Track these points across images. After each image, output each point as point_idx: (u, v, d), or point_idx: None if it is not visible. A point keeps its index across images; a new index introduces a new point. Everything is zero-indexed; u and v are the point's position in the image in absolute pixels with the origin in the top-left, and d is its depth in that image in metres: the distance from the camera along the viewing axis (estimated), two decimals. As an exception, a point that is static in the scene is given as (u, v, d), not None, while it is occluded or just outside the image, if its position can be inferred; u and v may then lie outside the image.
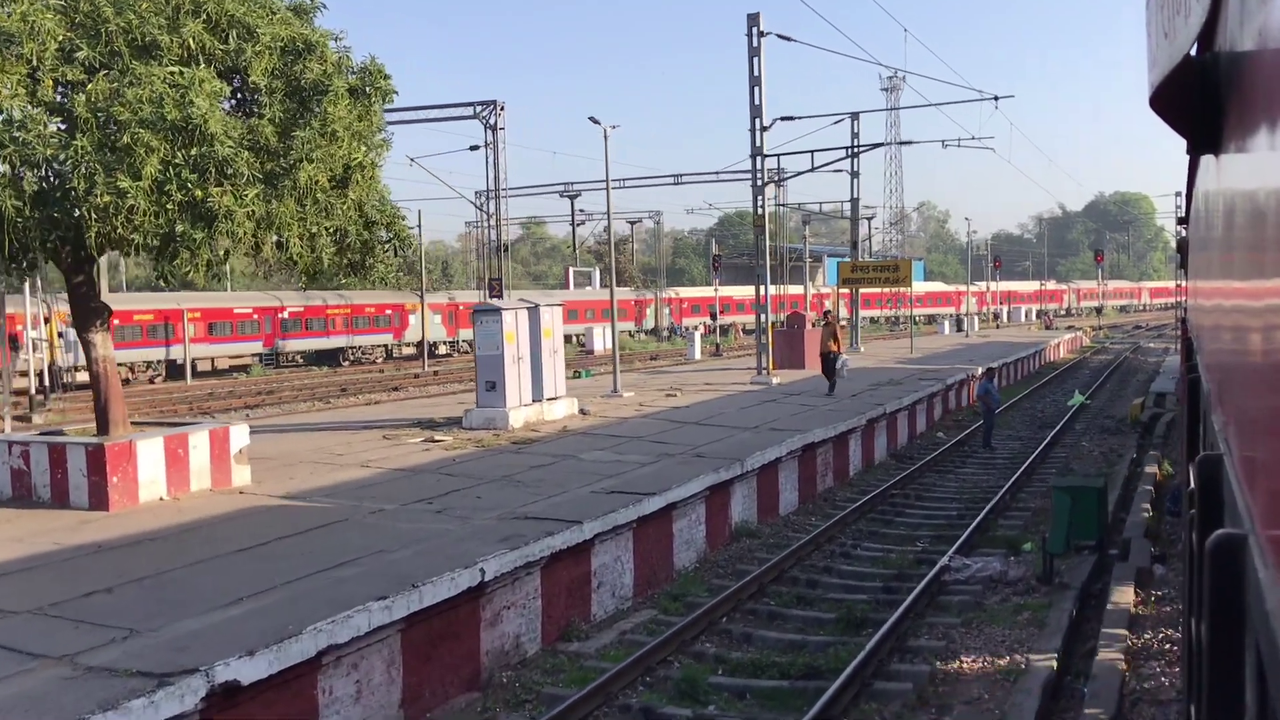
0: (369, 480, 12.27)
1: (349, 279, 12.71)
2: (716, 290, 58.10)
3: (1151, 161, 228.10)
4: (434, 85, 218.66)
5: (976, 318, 70.82)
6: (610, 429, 16.39)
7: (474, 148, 32.50)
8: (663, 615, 10.47)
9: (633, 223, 71.70)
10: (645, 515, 11.08)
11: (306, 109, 11.02)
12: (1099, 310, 72.33)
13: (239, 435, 12.39)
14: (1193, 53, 2.13)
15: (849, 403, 20.69)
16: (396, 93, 11.85)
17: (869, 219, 76.94)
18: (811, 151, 23.40)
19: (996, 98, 22.74)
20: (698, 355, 51.59)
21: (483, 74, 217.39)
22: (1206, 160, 3.03)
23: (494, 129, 31.99)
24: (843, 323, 44.60)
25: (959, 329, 59.79)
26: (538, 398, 17.10)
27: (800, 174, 23.68)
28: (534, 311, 16.91)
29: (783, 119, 23.29)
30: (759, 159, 23.64)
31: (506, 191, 57.73)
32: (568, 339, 62.52)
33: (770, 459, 14.66)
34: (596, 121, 20.64)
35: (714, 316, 57.92)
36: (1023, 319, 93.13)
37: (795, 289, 72.69)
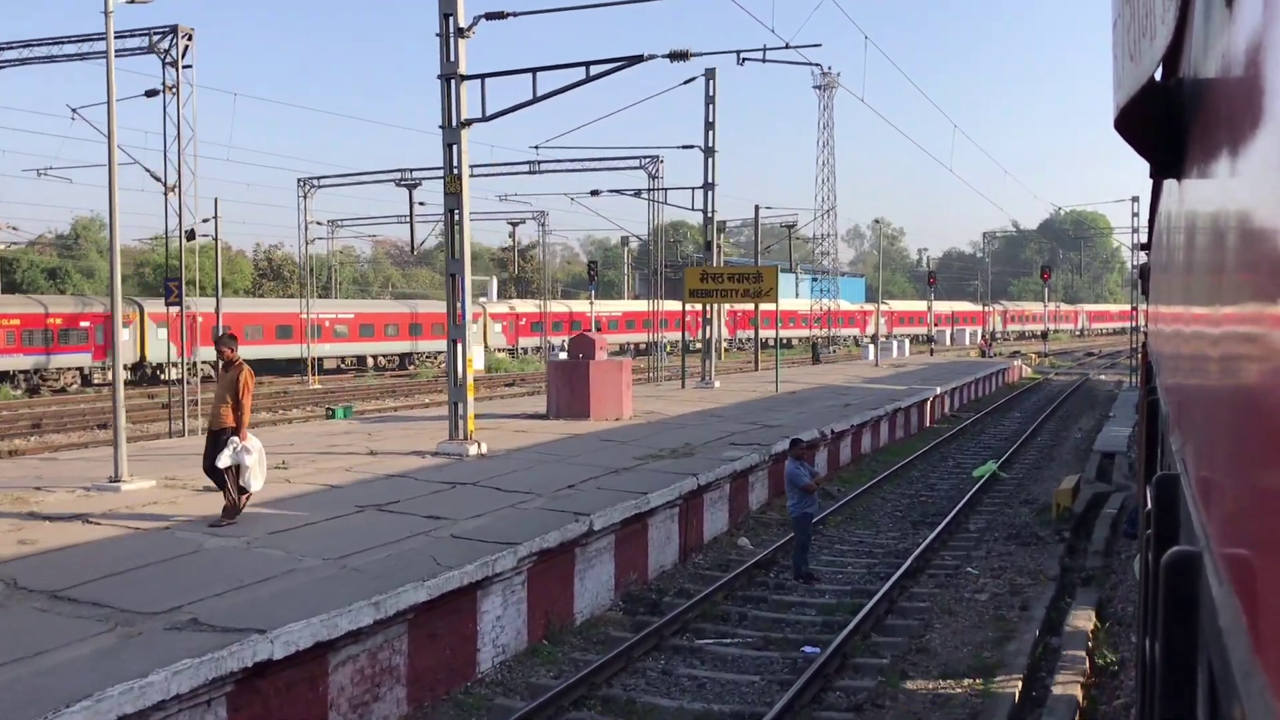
0: None
1: None
2: (592, 305, 48.73)
3: (1109, 181, 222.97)
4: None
5: (907, 342, 62.04)
6: None
7: (151, 92, 22.86)
8: None
9: (514, 224, 61.72)
10: None
11: None
12: (1044, 335, 63.81)
13: None
14: (1157, 76, 2.12)
15: (532, 509, 11.28)
16: None
17: (789, 226, 68.27)
18: (533, 70, 13.93)
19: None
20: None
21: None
22: (1169, 184, 3.17)
23: (176, 66, 22.39)
24: (699, 343, 34.80)
25: (816, 359, 50.62)
26: None
27: (518, 108, 13.98)
28: None
29: (489, 16, 13.88)
30: (453, 83, 14.25)
31: (251, 174, 48.33)
32: (427, 357, 52.70)
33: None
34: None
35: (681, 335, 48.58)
36: (967, 342, 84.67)
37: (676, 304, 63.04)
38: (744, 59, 16.25)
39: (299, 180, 46.27)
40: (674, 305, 57.82)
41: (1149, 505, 2.78)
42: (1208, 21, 1.66)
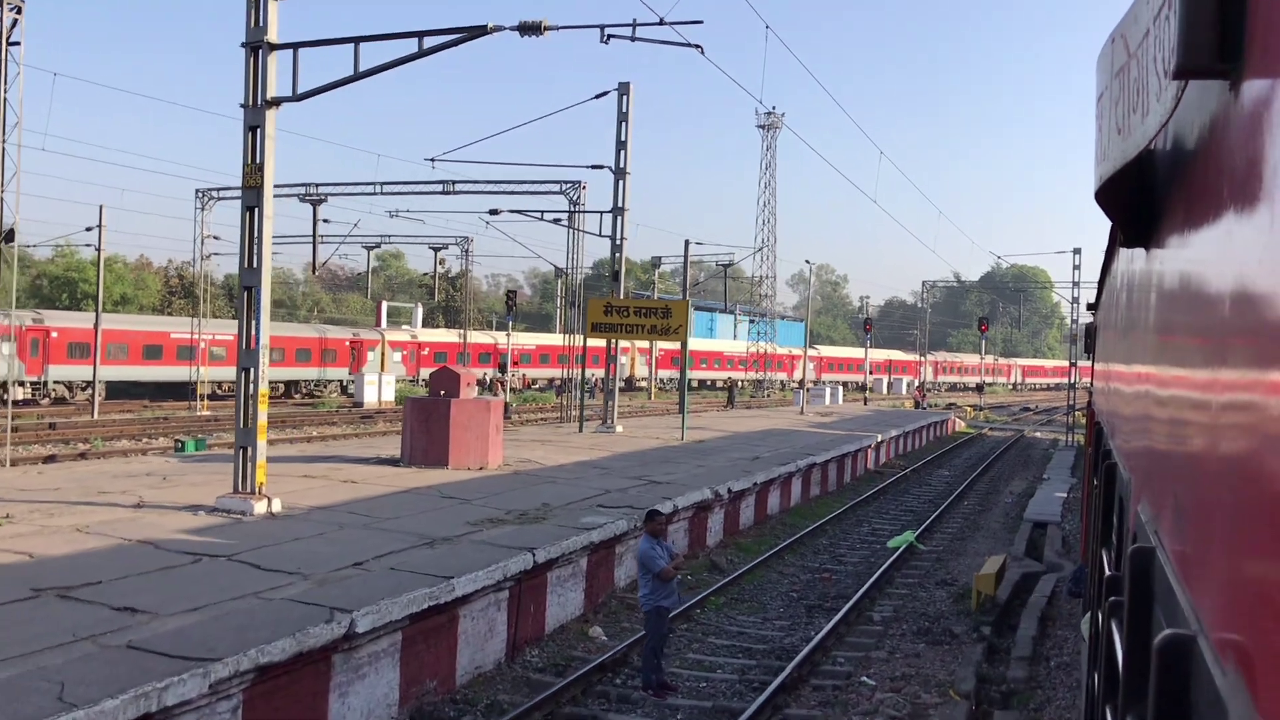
0: None
1: None
2: (510, 335, 45.96)
3: (1049, 231, 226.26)
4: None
5: (840, 389, 60.10)
6: None
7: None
8: None
9: (436, 249, 58.81)
10: None
11: None
12: (979, 388, 62.26)
13: None
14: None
15: (280, 600, 8.46)
16: None
17: (726, 265, 66.21)
18: (355, 40, 11.28)
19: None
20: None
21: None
22: (1131, 251, 3.25)
23: (2, 42, 19.38)
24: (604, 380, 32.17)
25: (731, 402, 47.96)
26: None
27: (336, 85, 11.35)
28: None
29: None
30: (260, 53, 11.57)
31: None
32: (317, 385, 49.08)
33: None
34: None
35: (504, 368, 45.83)
36: (904, 391, 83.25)
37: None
38: (609, 36, 13.83)
39: (197, 191, 43.15)
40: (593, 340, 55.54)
41: (1108, 570, 3.10)
42: (1202, 101, 1.70)
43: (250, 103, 11.58)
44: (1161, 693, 1.59)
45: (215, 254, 43.82)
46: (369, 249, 58.84)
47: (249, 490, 11.77)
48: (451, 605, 9.56)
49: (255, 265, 11.67)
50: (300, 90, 11.54)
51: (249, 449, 11.76)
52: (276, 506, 11.88)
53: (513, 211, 29.11)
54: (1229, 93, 1.42)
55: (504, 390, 53.26)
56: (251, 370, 11.61)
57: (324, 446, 21.76)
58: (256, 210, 11.64)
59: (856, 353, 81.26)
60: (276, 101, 11.56)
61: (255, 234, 11.67)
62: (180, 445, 23.80)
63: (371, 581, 9.20)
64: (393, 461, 17.47)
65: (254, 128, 11.60)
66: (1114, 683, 2.63)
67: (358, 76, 11.36)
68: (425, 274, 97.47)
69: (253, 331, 11.63)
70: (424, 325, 75.13)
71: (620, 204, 25.23)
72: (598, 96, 25.12)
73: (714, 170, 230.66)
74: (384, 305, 75.07)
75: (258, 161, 11.53)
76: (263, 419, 11.67)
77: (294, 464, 16.92)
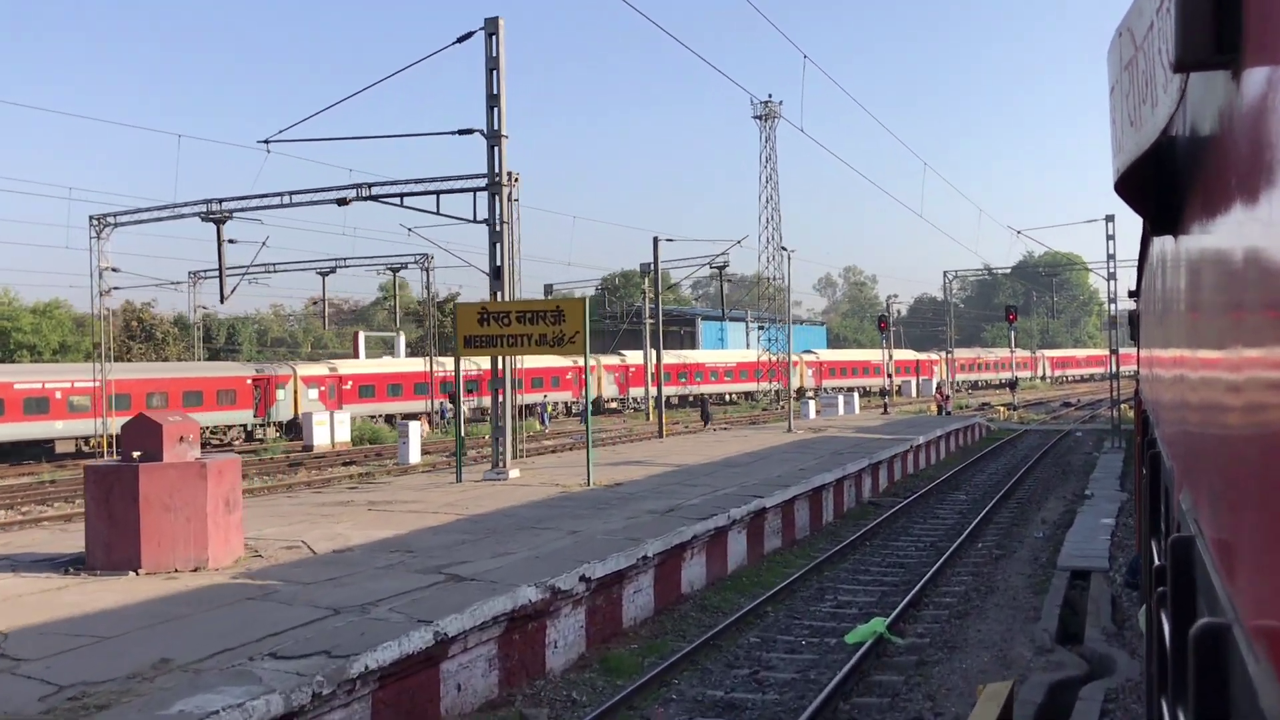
0: None
1: None
2: (459, 361, 39.96)
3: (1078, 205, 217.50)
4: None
5: (855, 396, 53.59)
6: None
7: None
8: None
9: (395, 270, 53.11)
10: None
11: None
12: (1012, 384, 55.29)
13: None
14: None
15: None
16: None
17: (720, 267, 59.89)
18: None
19: None
20: (414, 458, 35.51)
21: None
22: (1164, 238, 3.16)
23: None
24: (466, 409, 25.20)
25: (705, 418, 41.09)
26: None
27: None
28: None
29: None
30: None
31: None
32: (211, 432, 42.53)
33: None
34: None
35: (454, 399, 39.90)
36: (933, 393, 76.50)
37: (610, 359, 56.37)
38: None
39: (91, 218, 37.87)
40: (553, 360, 49.25)
41: (1156, 561, 3.05)
42: (1208, 90, 1.70)
43: None
44: (1200, 682, 1.57)
45: (116, 287, 38.47)
46: (323, 274, 53.50)
47: None
48: None
49: None
50: None
51: None
52: None
53: (367, 199, 23.34)
54: (1232, 82, 1.44)
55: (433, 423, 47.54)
56: None
57: (36, 536, 15.73)
58: None
59: (872, 354, 74.36)
60: None
61: None
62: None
63: None
64: (63, 565, 11.46)
65: None
66: (1165, 673, 2.55)
67: None
68: (421, 301, 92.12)
69: None
70: (406, 353, 69.90)
71: (497, 177, 19.28)
72: (460, 40, 19.30)
73: (728, 173, 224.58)
74: (360, 336, 69.99)
75: None
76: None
77: None
